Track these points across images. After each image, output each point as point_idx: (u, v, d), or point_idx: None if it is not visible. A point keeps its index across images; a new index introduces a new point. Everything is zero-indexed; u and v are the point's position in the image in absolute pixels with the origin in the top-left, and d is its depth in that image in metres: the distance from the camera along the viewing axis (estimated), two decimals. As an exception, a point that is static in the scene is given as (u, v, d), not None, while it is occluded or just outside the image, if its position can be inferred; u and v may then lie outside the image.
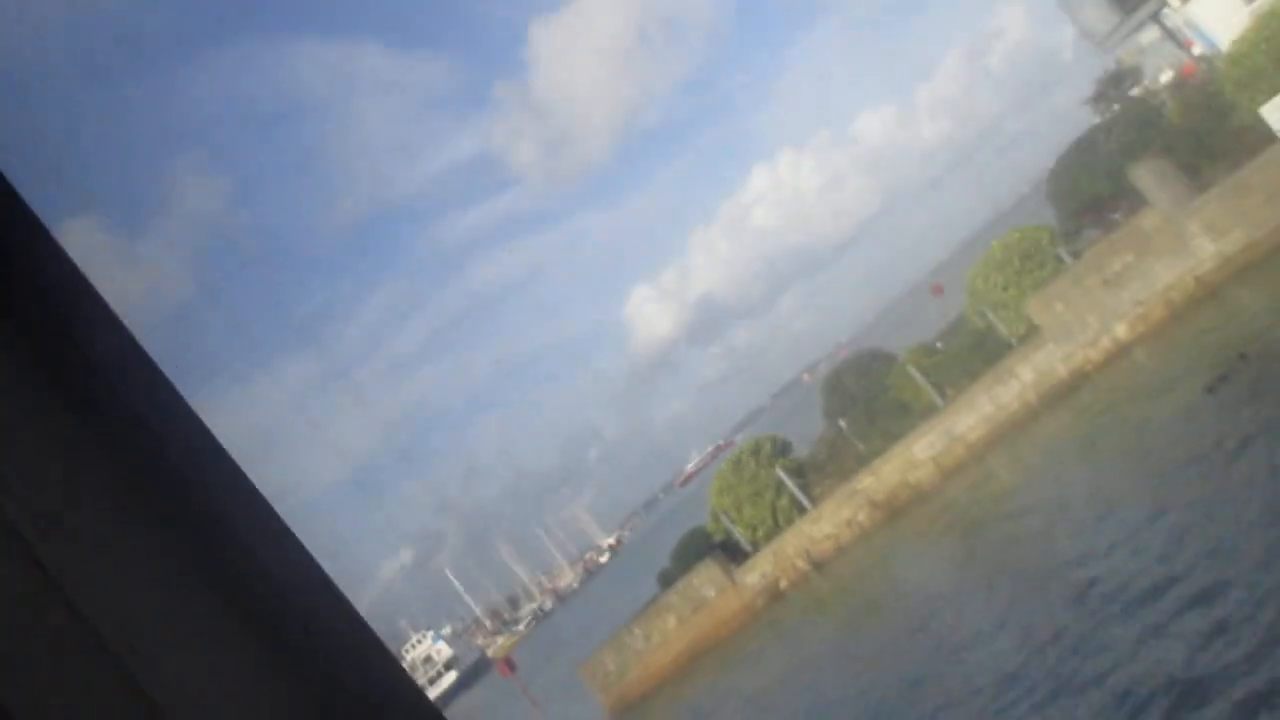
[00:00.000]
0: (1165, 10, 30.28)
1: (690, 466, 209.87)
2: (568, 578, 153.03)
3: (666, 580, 30.30)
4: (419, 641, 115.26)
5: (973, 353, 26.54)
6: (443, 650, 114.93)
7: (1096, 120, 28.40)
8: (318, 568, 1.09)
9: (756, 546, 28.88)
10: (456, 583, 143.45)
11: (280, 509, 1.11)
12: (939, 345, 29.05)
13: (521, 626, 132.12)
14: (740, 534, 29.25)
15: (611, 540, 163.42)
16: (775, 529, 28.50)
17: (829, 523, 27.43)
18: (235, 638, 1.02)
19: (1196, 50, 29.84)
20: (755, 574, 28.22)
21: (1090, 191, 25.71)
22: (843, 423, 29.06)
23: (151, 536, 1.03)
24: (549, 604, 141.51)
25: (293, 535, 1.09)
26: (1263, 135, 22.39)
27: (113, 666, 0.94)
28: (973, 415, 25.61)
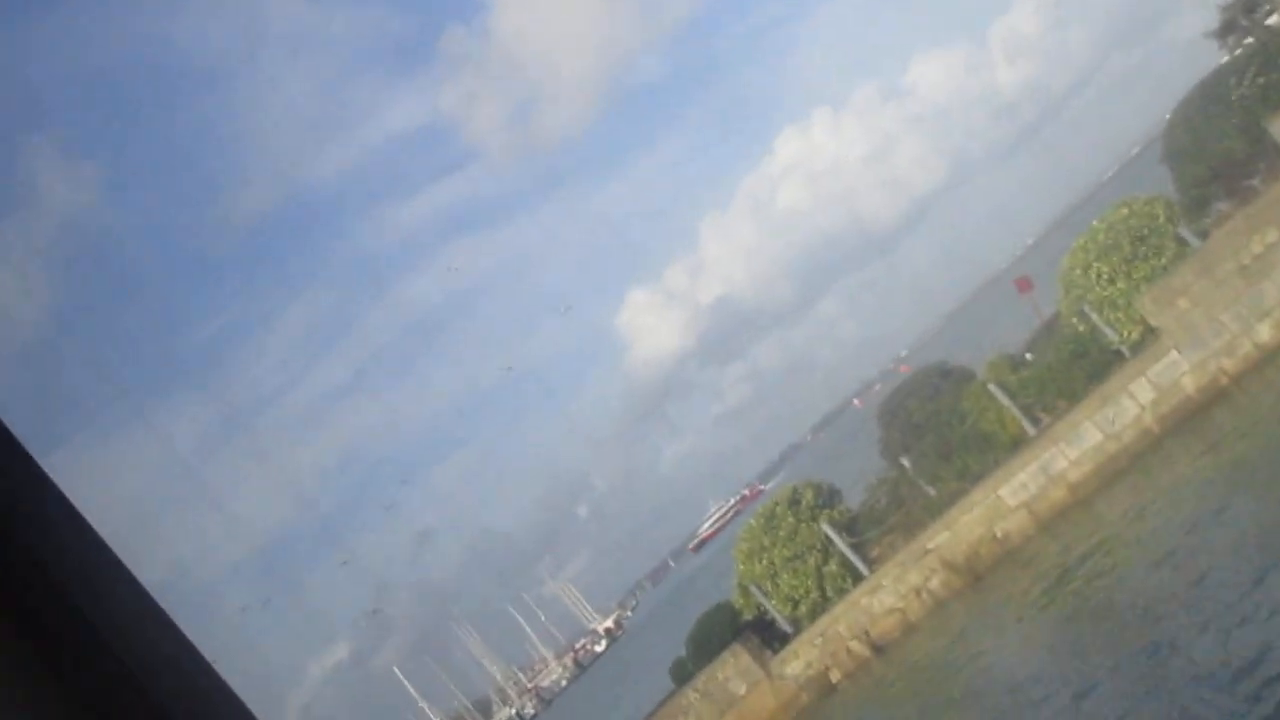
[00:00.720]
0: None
1: (707, 525, 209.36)
2: (554, 673, 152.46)
3: (682, 674, 30.17)
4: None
5: (1072, 365, 26.53)
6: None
7: (1224, 58, 28.52)
8: (215, 675, 1.07)
9: (798, 626, 28.77)
10: (408, 685, 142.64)
11: (164, 600, 1.09)
12: (1028, 357, 29.04)
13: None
14: (776, 610, 29.13)
15: (609, 623, 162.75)
16: (822, 602, 28.40)
17: (892, 592, 27.33)
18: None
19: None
20: (798, 662, 28.10)
21: (1219, 151, 25.79)
22: (906, 461, 28.99)
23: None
24: (530, 708, 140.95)
25: (180, 632, 1.07)
26: None
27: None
28: (1075, 447, 25.56)
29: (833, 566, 28.49)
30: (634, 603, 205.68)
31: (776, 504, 30.02)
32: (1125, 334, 26.18)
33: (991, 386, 27.35)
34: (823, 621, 28.07)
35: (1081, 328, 26.94)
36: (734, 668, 28.45)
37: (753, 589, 29.53)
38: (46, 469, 1.09)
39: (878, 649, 27.37)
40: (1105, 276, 26.35)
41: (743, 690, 28.31)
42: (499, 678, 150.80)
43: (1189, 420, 24.35)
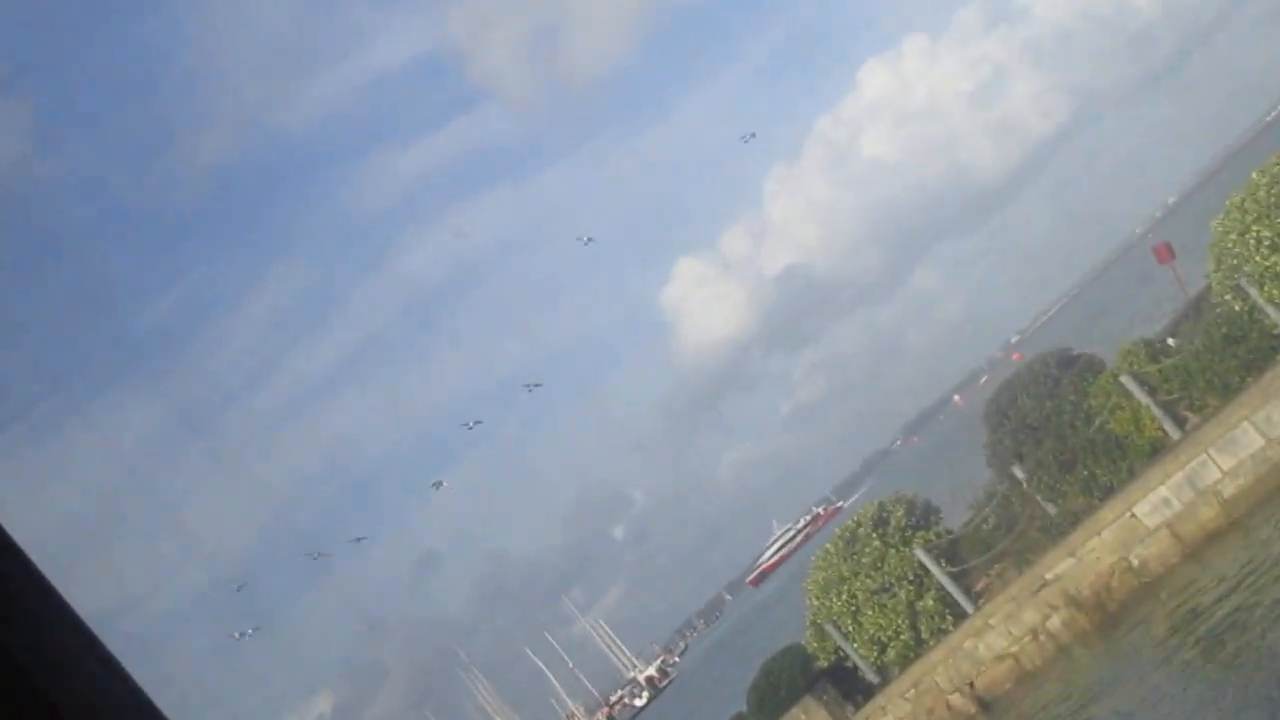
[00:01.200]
0: None
1: (770, 552, 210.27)
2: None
3: (742, 733, 30.26)
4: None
5: (1226, 353, 26.34)
6: None
7: None
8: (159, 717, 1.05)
9: (885, 675, 28.80)
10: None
11: (109, 636, 1.07)
12: (1170, 342, 28.83)
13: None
14: (859, 655, 29.15)
15: (651, 671, 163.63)
16: (915, 646, 28.41)
17: (1003, 634, 27.27)
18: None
19: None
20: (885, 719, 28.11)
21: None
22: (1019, 471, 28.87)
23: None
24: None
25: (130, 679, 1.05)
26: None
27: None
28: (1230, 454, 25.38)
29: (928, 601, 28.45)
30: (682, 646, 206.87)
31: (859, 524, 30.00)
32: (1292, 313, 25.99)
33: (1125, 379, 27.19)
34: (916, 669, 28.05)
35: (1237, 306, 26.75)
36: (806, 726, 28.48)
37: (829, 628, 29.54)
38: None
39: (984, 704, 27.32)
40: (1267, 243, 26.15)
41: (817, 754, 28.33)
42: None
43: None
